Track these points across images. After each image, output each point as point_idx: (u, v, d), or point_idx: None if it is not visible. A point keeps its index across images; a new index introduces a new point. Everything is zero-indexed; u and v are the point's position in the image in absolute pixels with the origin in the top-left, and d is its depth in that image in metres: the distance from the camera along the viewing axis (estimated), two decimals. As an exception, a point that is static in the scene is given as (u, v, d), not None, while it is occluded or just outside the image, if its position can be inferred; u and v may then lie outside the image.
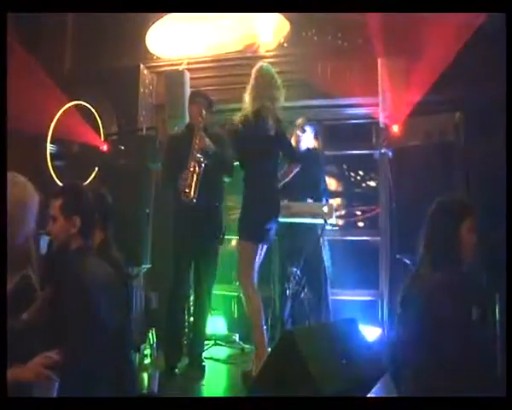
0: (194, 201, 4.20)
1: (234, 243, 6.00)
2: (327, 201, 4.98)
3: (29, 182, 2.54)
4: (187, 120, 5.02)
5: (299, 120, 5.10)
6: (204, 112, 4.36)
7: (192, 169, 4.22)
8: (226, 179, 4.53)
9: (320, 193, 5.03)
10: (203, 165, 4.24)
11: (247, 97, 4.14)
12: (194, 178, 4.22)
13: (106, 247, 3.33)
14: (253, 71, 4.21)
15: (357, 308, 5.26)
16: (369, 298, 5.44)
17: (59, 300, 2.38)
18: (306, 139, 5.07)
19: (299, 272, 4.75)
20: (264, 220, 4.05)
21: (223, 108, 5.35)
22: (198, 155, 4.24)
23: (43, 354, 2.11)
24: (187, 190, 4.20)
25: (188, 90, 5.62)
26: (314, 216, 4.68)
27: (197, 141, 4.26)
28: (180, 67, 5.97)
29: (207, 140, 4.28)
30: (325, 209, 4.65)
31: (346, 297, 5.35)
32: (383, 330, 4.96)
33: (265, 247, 4.13)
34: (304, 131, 5.04)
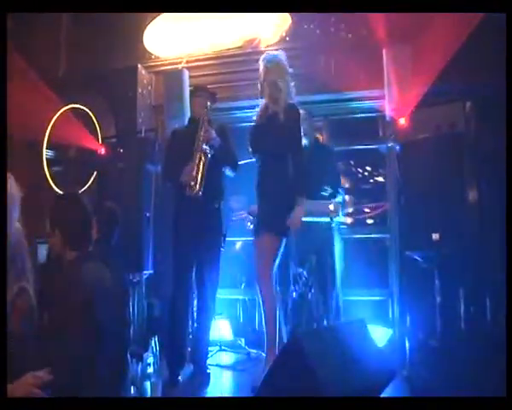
0: (200, 194, 4.08)
1: (239, 244, 5.89)
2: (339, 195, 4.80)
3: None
4: (186, 118, 4.89)
5: None
6: (209, 103, 4.28)
7: (197, 161, 4.12)
8: (230, 174, 4.38)
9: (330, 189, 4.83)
10: (209, 156, 4.14)
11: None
12: (200, 171, 4.11)
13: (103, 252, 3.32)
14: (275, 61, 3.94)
15: (366, 308, 5.15)
16: (378, 298, 5.27)
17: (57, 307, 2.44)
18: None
19: (305, 272, 4.61)
20: (285, 212, 3.80)
21: (223, 106, 5.22)
22: (204, 147, 4.14)
23: (32, 373, 2.07)
24: (192, 183, 4.09)
25: (187, 90, 5.49)
26: (320, 214, 4.52)
27: (203, 133, 4.17)
28: (179, 66, 5.84)
29: (213, 132, 4.21)
30: (331, 207, 4.50)
31: (356, 297, 5.20)
32: (394, 331, 4.77)
33: (283, 245, 3.85)
34: None
